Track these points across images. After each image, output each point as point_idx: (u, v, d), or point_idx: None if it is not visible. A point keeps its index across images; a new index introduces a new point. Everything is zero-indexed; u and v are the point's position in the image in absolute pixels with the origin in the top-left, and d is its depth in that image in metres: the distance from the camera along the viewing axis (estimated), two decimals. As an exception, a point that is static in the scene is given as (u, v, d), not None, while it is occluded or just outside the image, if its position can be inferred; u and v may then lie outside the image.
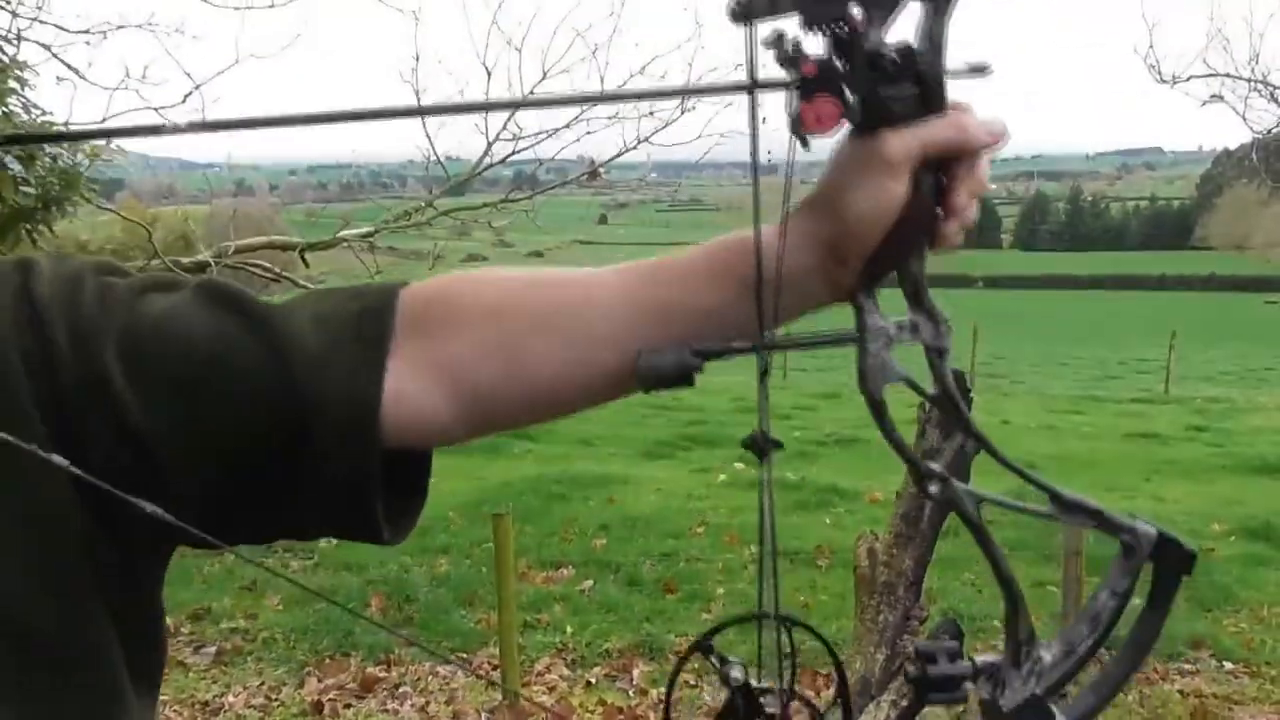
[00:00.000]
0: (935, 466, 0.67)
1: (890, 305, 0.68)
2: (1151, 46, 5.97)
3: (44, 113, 2.84)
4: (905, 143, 0.64)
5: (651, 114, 5.50)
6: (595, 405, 0.77)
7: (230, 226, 5.38)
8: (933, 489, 0.68)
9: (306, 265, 4.90)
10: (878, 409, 0.67)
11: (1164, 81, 5.72)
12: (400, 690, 5.27)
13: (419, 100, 5.11)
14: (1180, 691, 5.27)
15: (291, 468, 0.67)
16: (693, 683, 5.35)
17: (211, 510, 0.67)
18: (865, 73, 0.62)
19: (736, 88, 0.62)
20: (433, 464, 0.78)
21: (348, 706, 5.11)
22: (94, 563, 0.65)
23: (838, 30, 0.61)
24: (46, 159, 2.76)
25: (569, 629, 5.93)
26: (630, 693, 5.24)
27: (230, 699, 5.16)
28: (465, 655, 5.69)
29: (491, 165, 5.52)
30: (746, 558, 6.97)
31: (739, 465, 9.16)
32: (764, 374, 0.65)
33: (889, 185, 0.65)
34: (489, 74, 5.14)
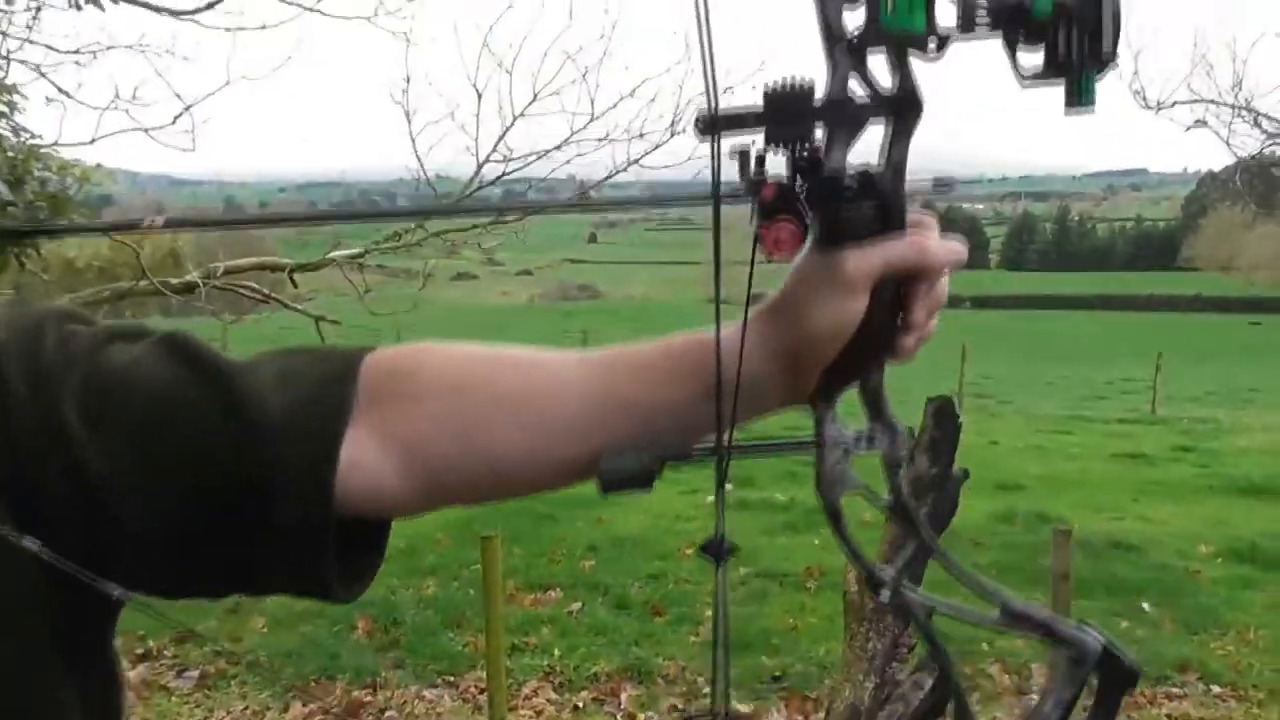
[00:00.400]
0: (888, 573, 0.69)
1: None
2: (1136, 73, 6.04)
3: (32, 135, 2.84)
4: (864, 262, 0.65)
5: (642, 136, 5.52)
6: (550, 491, 0.78)
7: (219, 246, 5.37)
8: (884, 595, 0.69)
9: (295, 285, 4.89)
10: (835, 517, 0.69)
11: (1149, 107, 5.77)
12: (386, 715, 5.23)
13: (409, 120, 5.13)
14: (1168, 716, 5.27)
15: (244, 527, 0.67)
16: (680, 706, 5.33)
17: (164, 559, 0.67)
18: (825, 193, 0.63)
19: (700, 199, 0.64)
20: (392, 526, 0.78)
21: (333, 731, 5.07)
22: (51, 618, 0.65)
23: (799, 152, 0.62)
24: (35, 183, 2.76)
25: (557, 652, 5.91)
26: (618, 717, 5.21)
27: (214, 723, 5.11)
28: (452, 678, 5.65)
29: (482, 186, 5.53)
30: (735, 579, 6.95)
31: (729, 486, 9.13)
32: (722, 481, 0.66)
33: (847, 303, 0.66)
34: (479, 96, 5.16)
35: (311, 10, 4.74)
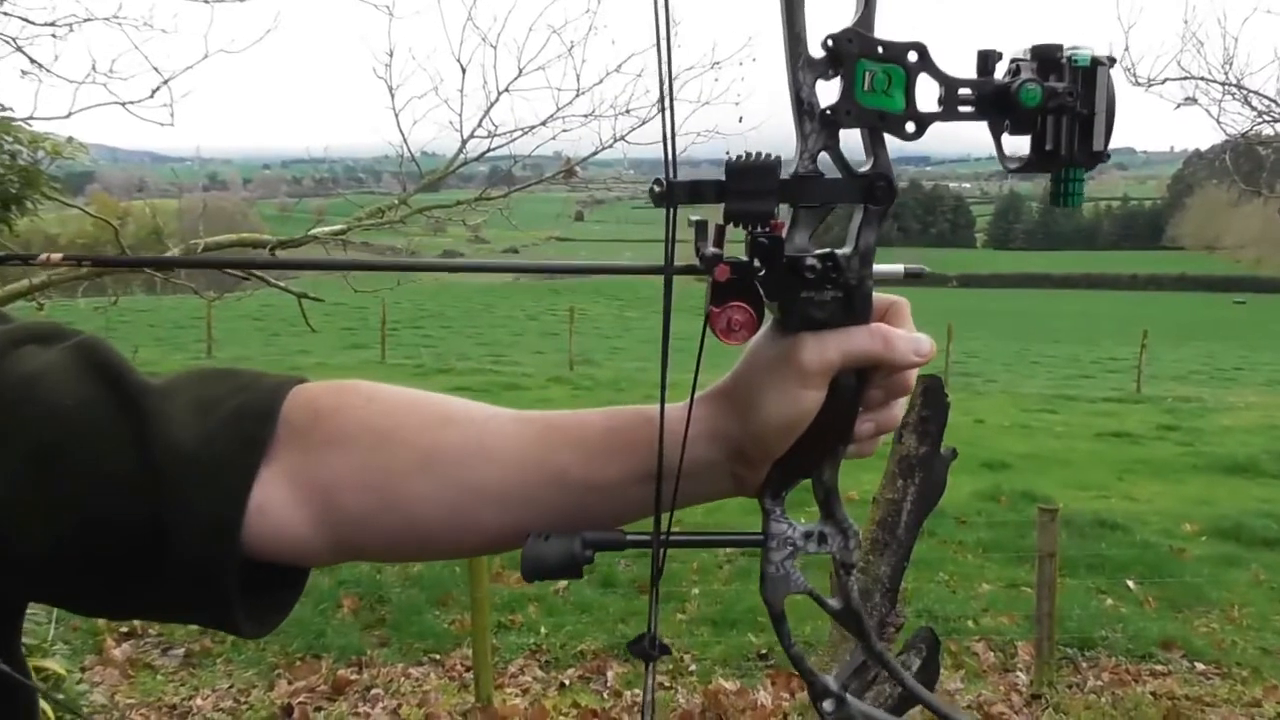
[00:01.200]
0: (832, 685, 0.64)
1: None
2: (1127, 49, 6.00)
3: (4, 108, 2.77)
4: (822, 352, 0.60)
5: (629, 112, 5.45)
6: (471, 556, 0.73)
7: (201, 222, 5.29)
8: (826, 706, 0.64)
9: (274, 257, 4.82)
10: (777, 619, 0.64)
11: (1139, 84, 5.74)
12: (372, 693, 5.22)
13: (392, 95, 5.05)
14: (1152, 693, 5.30)
15: (144, 561, 0.62)
16: (667, 684, 5.33)
17: (52, 578, 0.64)
18: (785, 277, 0.59)
19: (653, 269, 0.59)
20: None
21: (318, 709, 5.05)
22: None
23: (759, 232, 0.58)
24: (5, 155, 2.69)
25: (543, 630, 5.90)
26: (604, 694, 5.21)
27: (199, 701, 5.08)
28: (438, 656, 5.64)
29: (466, 162, 5.46)
30: (721, 557, 6.95)
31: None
32: (658, 572, 0.62)
33: (802, 393, 0.61)
34: (464, 70, 5.07)
35: (293, -19, 4.66)
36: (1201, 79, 6.02)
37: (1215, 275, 77.69)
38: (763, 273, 0.58)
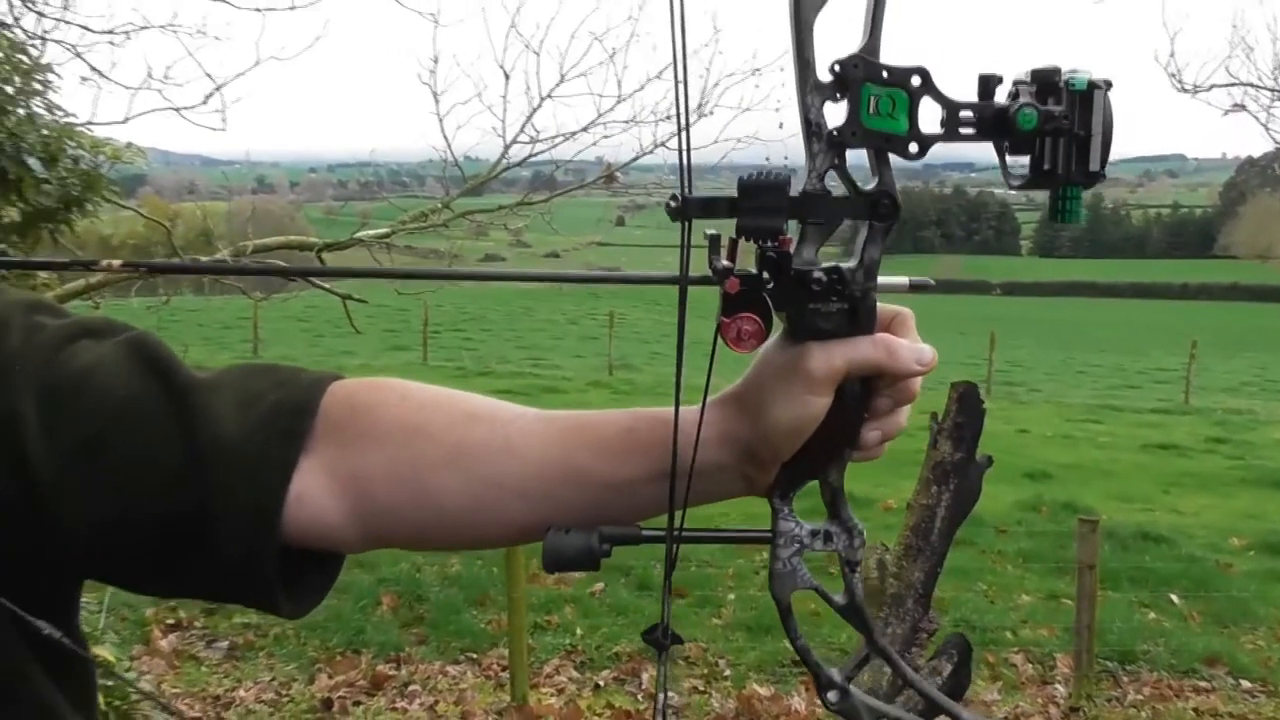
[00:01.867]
0: (836, 677, 0.67)
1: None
2: (1173, 55, 5.93)
3: (66, 113, 2.88)
4: (829, 359, 0.64)
5: (669, 118, 5.49)
6: (493, 547, 0.77)
7: (250, 224, 5.41)
8: (831, 697, 0.68)
9: (323, 264, 4.91)
10: (784, 613, 0.68)
11: (1185, 90, 5.68)
12: (409, 689, 5.29)
13: (437, 101, 5.13)
14: (1195, 710, 5.23)
15: (188, 544, 0.67)
16: (701, 689, 5.35)
17: (103, 558, 0.68)
18: (792, 289, 0.62)
19: (668, 280, 0.62)
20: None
21: (357, 704, 5.13)
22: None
23: (768, 246, 0.61)
24: (68, 160, 2.79)
25: (579, 631, 5.94)
26: (639, 696, 5.24)
27: (241, 693, 5.19)
28: (475, 655, 5.70)
29: (509, 167, 5.53)
30: (758, 563, 6.95)
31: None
32: (671, 566, 0.66)
33: (809, 399, 0.64)
34: (507, 76, 5.14)
35: (341, -11, 4.75)
36: (1250, 85, 5.94)
37: (1269, 285, 76.09)
38: (771, 285, 0.61)
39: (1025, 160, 0.62)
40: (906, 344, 0.66)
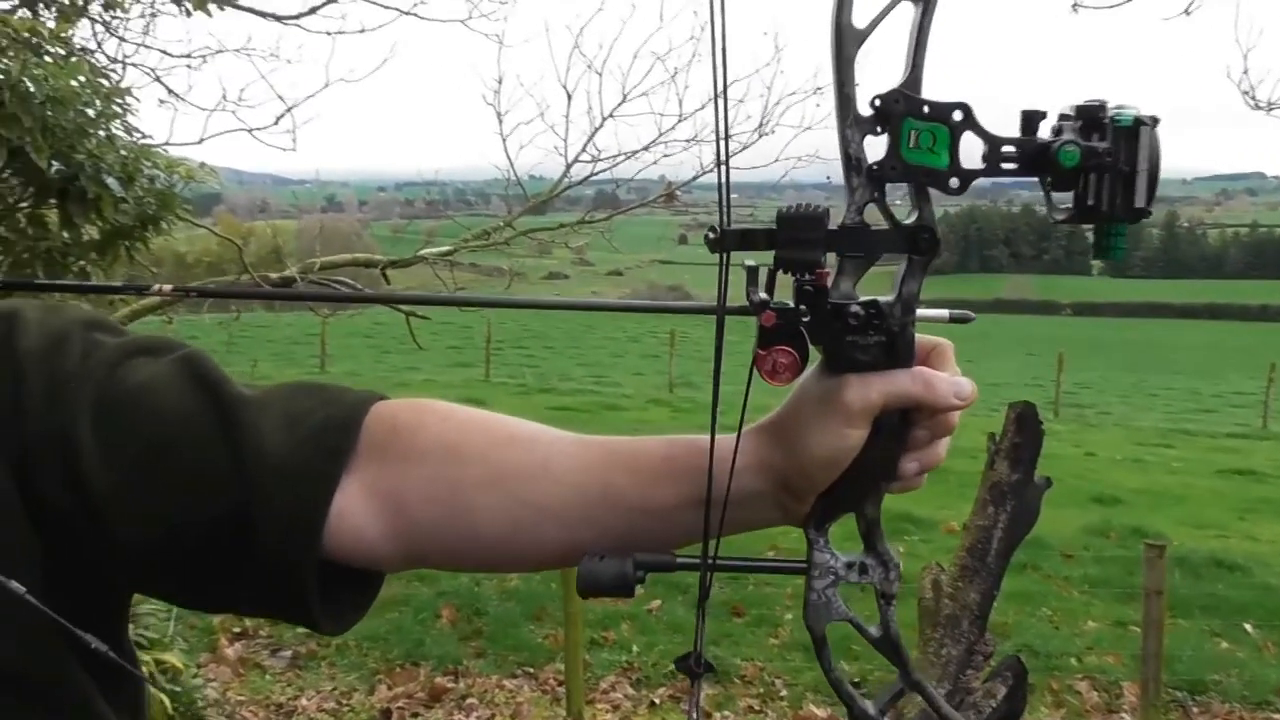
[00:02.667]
0: (871, 710, 0.66)
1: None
2: (1246, 72, 5.79)
3: (144, 135, 2.99)
4: (866, 393, 0.63)
5: (730, 137, 5.50)
6: (529, 571, 0.76)
7: (317, 242, 5.53)
8: None
9: (388, 282, 5.01)
10: (818, 644, 0.67)
11: (1259, 108, 5.54)
12: (467, 702, 5.33)
13: (500, 121, 5.21)
14: (1267, 742, 5.07)
15: (233, 556, 0.68)
16: (757, 708, 5.32)
17: (152, 570, 0.70)
18: (829, 323, 0.62)
19: (705, 309, 0.64)
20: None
21: (415, 715, 5.19)
22: (53, 609, 0.66)
23: (805, 280, 0.61)
24: (144, 180, 2.90)
25: (635, 648, 5.94)
26: (694, 715, 5.22)
27: (304, 702, 5.27)
28: (532, 670, 5.73)
29: (570, 186, 5.59)
30: (817, 584, 6.88)
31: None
32: (705, 594, 0.65)
33: (845, 432, 0.64)
34: (569, 96, 5.21)
35: (408, 14, 4.86)
36: (1329, 103, 5.77)
37: (1351, 307, 73.60)
38: (807, 319, 0.62)
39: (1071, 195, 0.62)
40: (945, 377, 0.65)
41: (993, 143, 0.61)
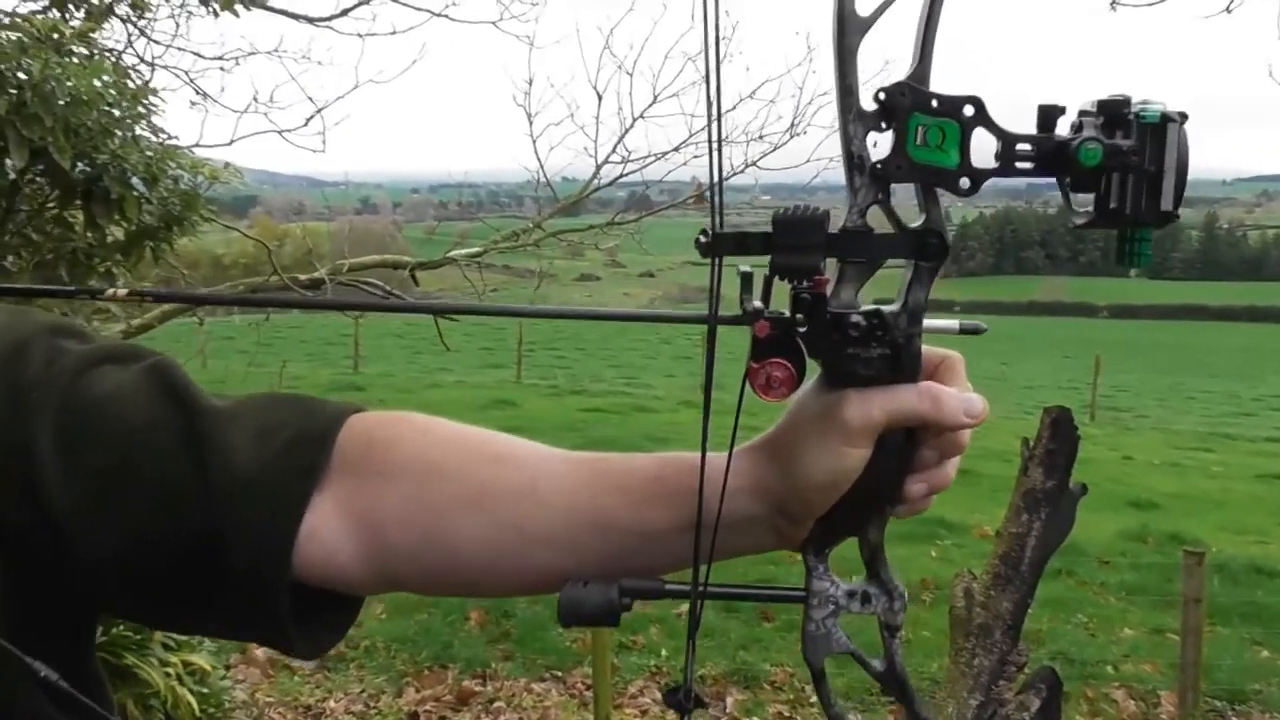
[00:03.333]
0: None
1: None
2: (1290, 70, 5.68)
3: (170, 136, 3.01)
4: (867, 410, 0.59)
5: (761, 137, 5.48)
6: (511, 596, 0.73)
7: (346, 244, 5.56)
8: None
9: (417, 284, 5.03)
10: (817, 679, 0.63)
11: (1303, 107, 5.43)
12: (495, 705, 5.33)
13: (530, 122, 5.20)
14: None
15: (201, 575, 0.65)
16: (787, 714, 5.27)
17: (117, 589, 0.67)
18: (827, 334, 0.58)
19: (697, 319, 0.59)
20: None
21: (443, 718, 5.19)
22: (12, 633, 0.63)
23: (802, 287, 0.57)
24: (169, 180, 2.91)
25: (664, 652, 5.91)
26: (723, 720, 5.19)
27: (331, 704, 5.29)
28: (560, 673, 5.72)
29: (600, 187, 5.57)
30: (847, 588, 6.82)
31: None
32: (696, 622, 0.61)
33: (845, 451, 0.60)
34: (599, 97, 5.19)
35: (439, 15, 4.87)
36: (1374, 101, 5.65)
37: (1397, 309, 72.24)
38: (804, 329, 0.57)
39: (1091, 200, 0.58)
40: (954, 393, 0.61)
41: (1007, 140, 0.56)
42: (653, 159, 5.46)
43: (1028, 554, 2.94)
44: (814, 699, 5.41)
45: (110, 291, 0.67)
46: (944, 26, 0.55)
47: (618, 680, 5.47)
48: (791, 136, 5.31)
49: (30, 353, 0.66)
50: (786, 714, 5.28)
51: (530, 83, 5.17)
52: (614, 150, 5.38)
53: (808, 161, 5.39)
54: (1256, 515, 9.86)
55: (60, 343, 0.69)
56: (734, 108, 5.40)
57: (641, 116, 5.35)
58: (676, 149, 5.45)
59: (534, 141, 5.23)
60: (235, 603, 0.66)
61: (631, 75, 5.18)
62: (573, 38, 5.26)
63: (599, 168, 5.40)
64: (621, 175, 5.49)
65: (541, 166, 5.29)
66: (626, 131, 5.39)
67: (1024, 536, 2.99)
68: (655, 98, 5.32)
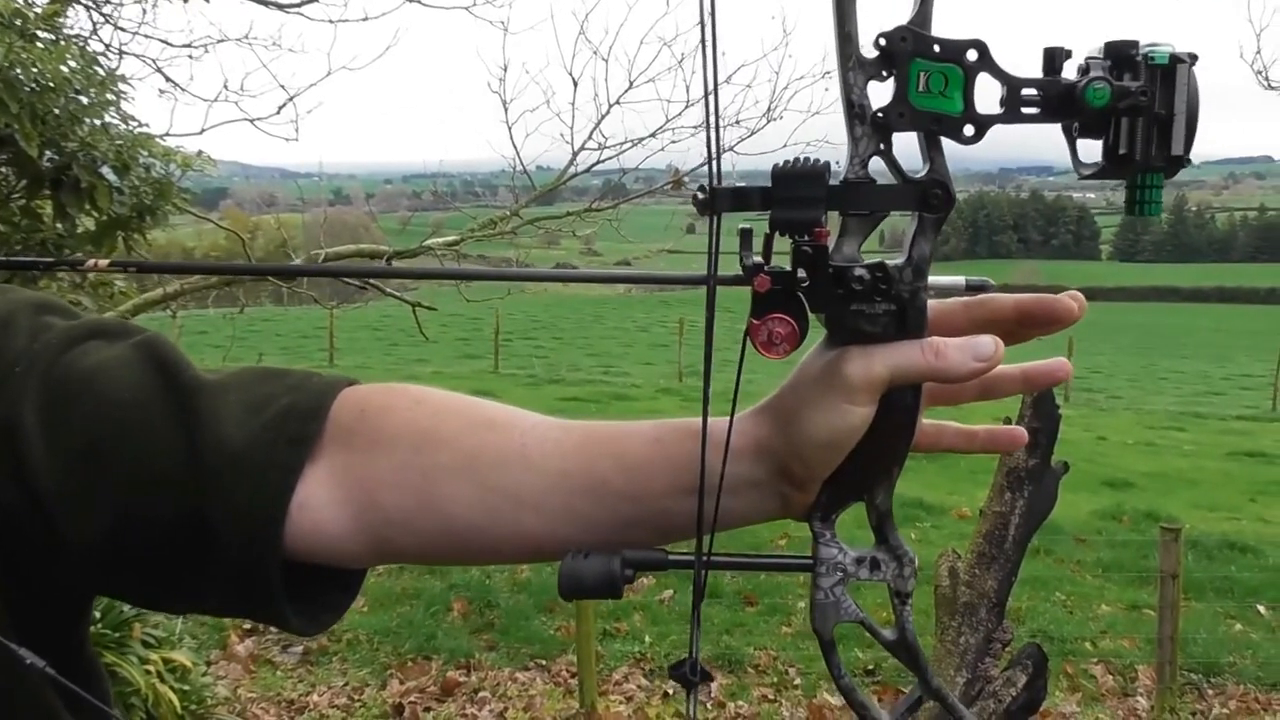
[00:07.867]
0: (886, 719, 0.61)
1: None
2: (1259, 52, 5.72)
3: (140, 124, 2.95)
4: (868, 365, 0.57)
5: (738, 123, 5.46)
6: (507, 563, 0.71)
7: (321, 234, 5.50)
8: None
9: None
10: (826, 648, 0.61)
11: (1272, 88, 5.48)
12: (479, 695, 5.32)
13: (505, 108, 5.16)
14: (1285, 724, 5.03)
15: (193, 552, 0.64)
16: (771, 697, 5.30)
17: (108, 568, 0.65)
18: (830, 288, 0.56)
19: (696, 279, 0.56)
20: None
21: (427, 710, 5.17)
22: (10, 623, 0.62)
23: (803, 240, 0.55)
24: (140, 169, 2.86)
25: (647, 639, 5.92)
26: (708, 705, 5.20)
27: (315, 698, 5.27)
28: (544, 662, 5.71)
29: (576, 174, 5.54)
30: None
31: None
32: (700, 593, 0.58)
33: (846, 409, 0.58)
34: (575, 83, 5.16)
35: (412, 1, 4.81)
36: (1342, 81, 5.70)
37: (1363, 288, 73.25)
38: (806, 284, 0.55)
39: (1096, 151, 0.56)
40: (958, 342, 0.58)
41: (1012, 84, 0.54)
42: (629, 145, 5.43)
43: (1011, 532, 2.95)
44: (797, 681, 5.44)
45: (91, 262, 0.64)
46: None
47: (602, 667, 5.48)
48: (768, 121, 5.30)
49: (15, 328, 0.65)
50: (770, 697, 5.30)
51: (505, 69, 5.13)
52: (590, 136, 5.35)
53: (785, 146, 5.38)
54: (1228, 492, 10.00)
55: (45, 318, 0.67)
56: (711, 92, 5.37)
57: (618, 103, 5.32)
58: (653, 134, 5.43)
59: (509, 128, 5.19)
60: (227, 577, 0.65)
61: (607, 61, 5.15)
62: (548, 23, 5.23)
63: (575, 154, 5.37)
64: (599, 161, 5.46)
65: (518, 153, 5.26)
66: (603, 117, 5.36)
67: (1007, 515, 3.00)
68: (631, 83, 5.30)
